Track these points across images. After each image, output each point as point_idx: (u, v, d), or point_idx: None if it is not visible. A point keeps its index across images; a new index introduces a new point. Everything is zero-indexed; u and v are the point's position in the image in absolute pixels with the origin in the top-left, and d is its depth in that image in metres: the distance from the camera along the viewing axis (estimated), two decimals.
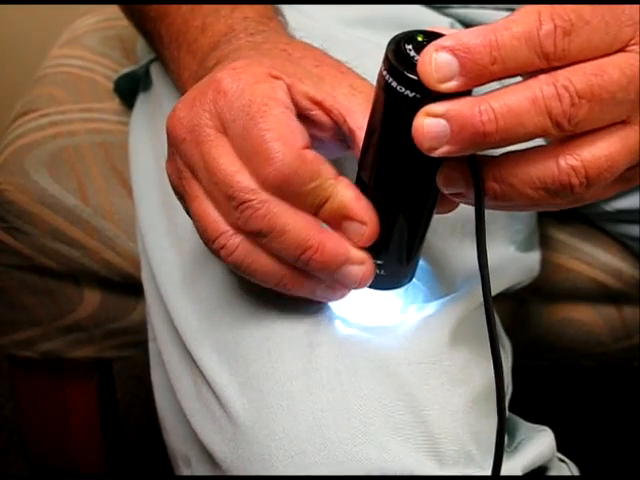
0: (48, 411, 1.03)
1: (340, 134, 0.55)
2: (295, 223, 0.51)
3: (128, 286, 0.89)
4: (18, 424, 1.09)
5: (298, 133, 0.51)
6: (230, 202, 0.51)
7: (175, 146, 0.54)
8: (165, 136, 0.76)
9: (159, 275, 0.68)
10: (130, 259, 0.87)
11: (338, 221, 0.52)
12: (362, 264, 0.52)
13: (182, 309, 0.63)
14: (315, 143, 0.53)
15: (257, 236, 0.52)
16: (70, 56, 1.03)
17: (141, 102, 0.88)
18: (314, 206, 0.51)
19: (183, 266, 0.66)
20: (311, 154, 0.51)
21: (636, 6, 0.46)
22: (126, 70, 0.90)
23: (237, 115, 0.51)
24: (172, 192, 0.71)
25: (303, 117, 0.54)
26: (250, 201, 0.51)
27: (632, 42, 0.46)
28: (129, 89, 0.92)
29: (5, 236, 0.89)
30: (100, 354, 0.95)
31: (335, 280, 0.53)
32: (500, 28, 0.44)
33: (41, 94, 0.97)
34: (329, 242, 0.51)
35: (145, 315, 0.75)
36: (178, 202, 0.68)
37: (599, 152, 0.46)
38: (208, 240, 0.53)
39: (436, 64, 0.44)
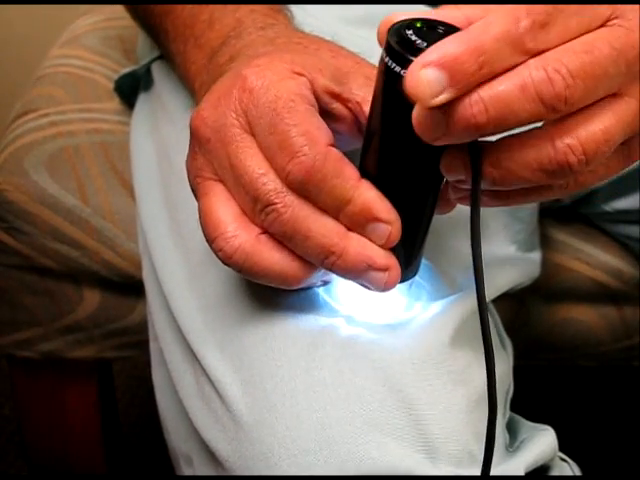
0: (48, 411, 1.03)
1: (358, 125, 0.55)
2: (318, 228, 0.51)
3: (128, 286, 0.89)
4: (18, 424, 1.09)
5: (323, 130, 0.52)
6: (256, 205, 0.52)
7: (199, 145, 0.54)
8: (167, 135, 0.77)
9: (162, 274, 0.68)
10: (130, 259, 0.87)
11: (362, 224, 0.51)
12: (386, 271, 0.52)
13: (186, 307, 0.63)
14: (335, 136, 0.53)
15: (283, 238, 0.52)
16: (70, 56, 1.03)
17: (142, 101, 0.88)
18: (335, 207, 0.51)
19: (187, 264, 0.66)
20: (335, 152, 0.51)
21: None
22: (127, 70, 0.90)
23: (263, 111, 0.52)
24: (174, 191, 0.71)
25: (324, 111, 0.54)
26: (275, 204, 0.51)
27: (612, 17, 0.46)
28: (129, 89, 0.92)
29: (5, 236, 0.89)
30: (100, 354, 0.95)
31: (361, 284, 0.53)
32: (479, 32, 0.44)
33: (41, 94, 0.97)
34: (352, 248, 0.51)
35: (145, 315, 0.75)
36: (181, 201, 0.69)
37: (594, 127, 0.46)
38: (209, 240, 0.54)
39: (425, 81, 0.44)
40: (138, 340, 0.91)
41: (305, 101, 0.52)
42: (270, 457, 0.54)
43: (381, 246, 0.52)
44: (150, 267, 0.72)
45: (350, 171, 0.51)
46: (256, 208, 0.52)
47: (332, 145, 0.52)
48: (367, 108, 0.53)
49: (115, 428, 1.12)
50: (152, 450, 1.26)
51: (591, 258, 0.91)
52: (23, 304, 0.93)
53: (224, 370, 0.58)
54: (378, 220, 0.51)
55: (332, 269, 0.52)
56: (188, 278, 0.65)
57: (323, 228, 0.51)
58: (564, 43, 0.45)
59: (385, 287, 0.53)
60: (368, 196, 0.51)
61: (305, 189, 0.51)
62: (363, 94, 0.54)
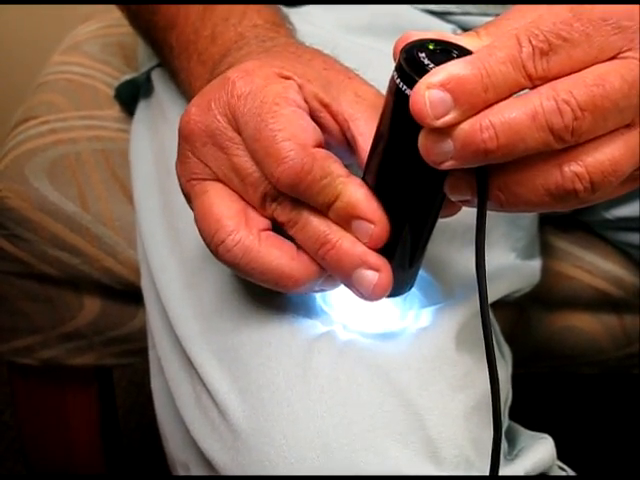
0: (48, 418, 1.03)
1: (345, 139, 0.55)
2: (318, 219, 0.52)
3: (128, 293, 0.89)
4: (18, 431, 1.09)
5: (310, 131, 0.52)
6: (266, 197, 0.53)
7: (192, 149, 0.55)
8: (167, 142, 0.77)
9: (159, 282, 0.68)
10: (130, 266, 0.87)
11: (347, 220, 0.52)
12: (377, 271, 0.52)
13: (182, 315, 0.63)
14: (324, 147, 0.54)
15: (287, 225, 0.53)
16: (71, 63, 1.03)
17: (142, 109, 0.88)
18: (325, 204, 0.52)
19: (184, 272, 0.66)
20: (322, 152, 0.51)
21: (621, 12, 0.46)
22: (127, 77, 0.90)
23: (249, 118, 0.52)
24: (172, 199, 0.71)
25: (313, 119, 0.54)
26: (283, 195, 0.52)
27: (625, 49, 0.45)
28: (130, 96, 0.92)
29: (5, 243, 0.89)
30: (100, 361, 0.95)
31: (351, 285, 0.53)
32: (485, 56, 0.44)
33: (42, 101, 0.97)
34: (347, 241, 0.52)
35: (145, 323, 0.75)
36: (179, 208, 0.69)
37: (602, 157, 0.46)
38: (207, 235, 0.54)
39: (430, 102, 0.44)
40: (138, 347, 0.91)
41: (290, 103, 0.52)
42: (267, 465, 0.54)
43: (367, 245, 0.52)
44: (148, 275, 0.72)
45: (338, 168, 0.52)
46: (266, 200, 0.53)
47: (320, 144, 0.52)
48: (354, 126, 0.54)
49: (115, 435, 1.12)
50: (152, 457, 1.26)
51: (592, 266, 0.91)
52: (23, 311, 0.93)
53: (221, 379, 0.58)
54: (361, 218, 0.51)
55: (325, 260, 0.52)
56: (185, 286, 0.65)
57: (323, 220, 0.52)
58: (571, 72, 0.45)
59: (374, 291, 0.52)
60: (355, 192, 0.51)
61: (296, 192, 0.51)
62: (352, 111, 0.55)
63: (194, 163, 0.54)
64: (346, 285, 0.53)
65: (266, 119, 0.51)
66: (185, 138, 0.55)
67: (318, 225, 0.52)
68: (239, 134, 0.53)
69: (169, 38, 0.72)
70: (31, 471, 1.08)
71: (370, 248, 0.52)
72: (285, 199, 0.52)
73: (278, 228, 0.54)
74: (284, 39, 0.63)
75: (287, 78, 0.54)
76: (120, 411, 1.24)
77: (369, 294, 0.53)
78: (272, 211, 0.53)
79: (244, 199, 0.54)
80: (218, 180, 0.54)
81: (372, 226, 0.51)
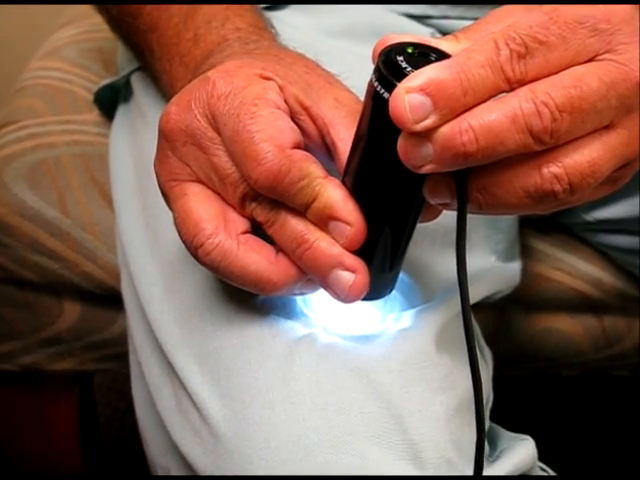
0: (28, 424, 1.02)
1: (324, 143, 0.55)
2: (296, 219, 0.52)
3: (108, 298, 0.89)
4: None
5: (288, 132, 0.52)
6: (246, 198, 0.53)
7: (172, 148, 0.55)
8: (147, 145, 0.77)
9: (140, 286, 0.68)
10: (110, 271, 0.87)
11: (324, 221, 0.52)
12: (353, 272, 0.52)
13: (163, 319, 0.63)
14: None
15: (266, 224, 0.53)
16: (49, 68, 1.02)
17: (121, 113, 0.88)
18: (303, 205, 0.52)
19: (164, 276, 0.66)
20: (300, 153, 0.51)
21: (597, 15, 0.46)
22: (107, 81, 0.90)
23: (228, 119, 0.52)
24: (152, 202, 0.71)
25: (292, 121, 0.54)
26: (262, 195, 0.52)
27: (602, 51, 0.46)
28: (109, 101, 0.92)
29: None
30: (80, 367, 0.95)
31: (327, 286, 0.53)
32: (463, 59, 0.45)
33: (20, 106, 0.97)
34: (324, 242, 0.52)
35: (125, 327, 0.75)
36: (158, 212, 0.69)
37: (581, 158, 0.46)
38: (187, 238, 0.54)
39: (410, 106, 0.44)
40: (119, 352, 0.91)
41: (269, 104, 0.52)
42: (248, 469, 0.54)
43: (343, 246, 0.52)
44: (128, 279, 0.72)
45: (316, 169, 0.52)
46: (246, 200, 0.53)
47: (298, 145, 0.52)
48: (333, 131, 0.54)
49: (95, 441, 1.11)
50: (132, 463, 1.26)
51: (572, 268, 0.91)
52: (3, 317, 0.92)
53: (202, 382, 0.58)
54: (337, 219, 0.51)
55: (302, 260, 0.52)
56: (165, 289, 0.65)
57: (301, 220, 0.52)
58: (548, 75, 0.45)
59: (349, 292, 0.52)
60: (332, 194, 0.51)
61: (274, 193, 0.51)
62: (331, 116, 0.55)
63: (174, 162, 0.54)
64: (323, 286, 0.53)
65: (244, 120, 0.51)
66: (165, 137, 0.55)
67: (296, 225, 0.52)
68: (219, 134, 0.53)
69: (150, 41, 0.71)
70: (10, 476, 1.07)
71: (347, 249, 0.52)
72: (264, 199, 0.52)
73: (259, 228, 0.54)
74: (267, 42, 0.63)
75: (268, 79, 0.54)
76: (100, 417, 1.23)
77: (345, 295, 0.53)
78: (251, 211, 0.53)
79: (224, 199, 0.54)
80: (197, 181, 0.54)
81: (349, 227, 0.51)
